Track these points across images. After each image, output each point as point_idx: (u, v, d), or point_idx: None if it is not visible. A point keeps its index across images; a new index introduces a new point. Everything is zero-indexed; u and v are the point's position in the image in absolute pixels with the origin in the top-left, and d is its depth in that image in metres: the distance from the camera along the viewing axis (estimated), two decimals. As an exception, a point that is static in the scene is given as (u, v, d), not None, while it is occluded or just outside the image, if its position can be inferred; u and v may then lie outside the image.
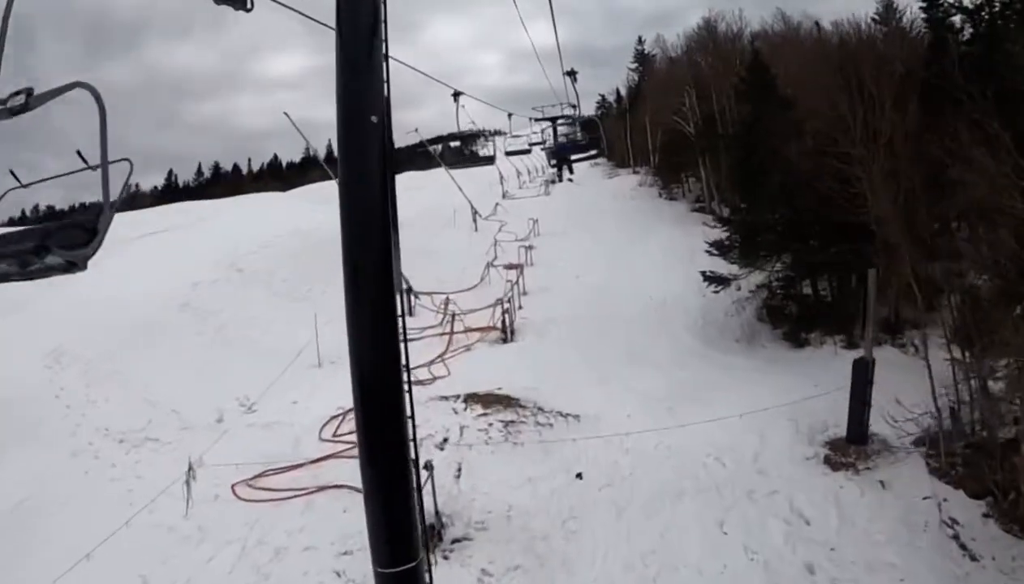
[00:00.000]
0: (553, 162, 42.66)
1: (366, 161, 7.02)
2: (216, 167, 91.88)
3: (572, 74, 38.51)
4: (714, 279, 23.10)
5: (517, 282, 28.02)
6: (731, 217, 24.15)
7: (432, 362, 21.92)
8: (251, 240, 31.08)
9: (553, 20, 21.70)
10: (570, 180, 43.10)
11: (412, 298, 27.21)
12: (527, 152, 38.81)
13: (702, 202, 42.03)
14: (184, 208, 46.46)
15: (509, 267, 32.03)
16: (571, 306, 26.24)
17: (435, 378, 20.63)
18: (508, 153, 38.92)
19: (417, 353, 24.07)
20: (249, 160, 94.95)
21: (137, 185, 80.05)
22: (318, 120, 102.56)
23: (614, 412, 17.25)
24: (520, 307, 26.59)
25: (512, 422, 17.12)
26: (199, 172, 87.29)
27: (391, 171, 7.26)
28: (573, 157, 37.93)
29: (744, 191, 23.04)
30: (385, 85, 7.23)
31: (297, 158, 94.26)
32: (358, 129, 7.13)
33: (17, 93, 5.13)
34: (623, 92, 70.05)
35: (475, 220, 39.50)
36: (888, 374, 16.78)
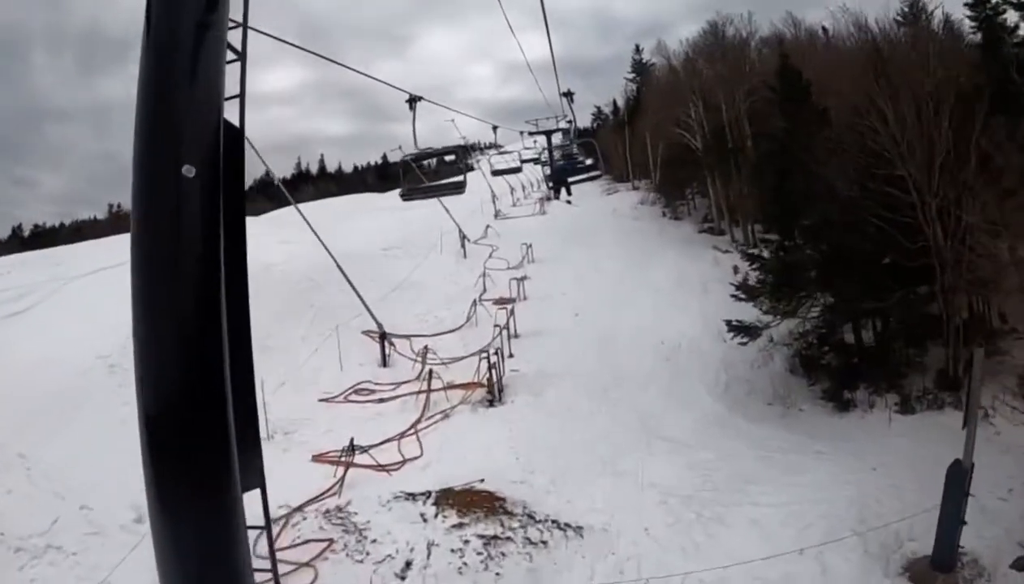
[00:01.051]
0: (551, 185, 38.92)
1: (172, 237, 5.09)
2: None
3: (569, 95, 35.48)
4: (741, 329, 18.96)
5: (507, 323, 23.87)
6: (761, 253, 19.90)
7: (403, 435, 17.74)
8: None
9: (549, 38, 18.15)
10: (568, 202, 39.16)
11: (386, 345, 23.07)
12: (516, 170, 34.66)
13: (710, 222, 37.90)
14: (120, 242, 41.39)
15: (499, 303, 27.87)
16: (569, 355, 22.07)
17: (404, 461, 16.43)
18: (495, 172, 34.97)
19: (388, 421, 20.12)
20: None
21: (119, 205, 75.96)
22: (312, 135, 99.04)
23: (627, 522, 12.99)
24: (510, 354, 22.41)
25: (495, 539, 12.86)
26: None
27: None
28: (572, 178, 34.18)
29: (780, 222, 18.86)
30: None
31: (288, 174, 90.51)
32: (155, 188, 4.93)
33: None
34: (620, 103, 65.95)
35: (464, 245, 35.34)
36: (950, 449, 12.38)
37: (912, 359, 18.71)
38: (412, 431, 17.90)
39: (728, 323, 19.31)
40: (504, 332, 22.99)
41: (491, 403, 19.18)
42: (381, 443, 17.38)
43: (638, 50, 61.61)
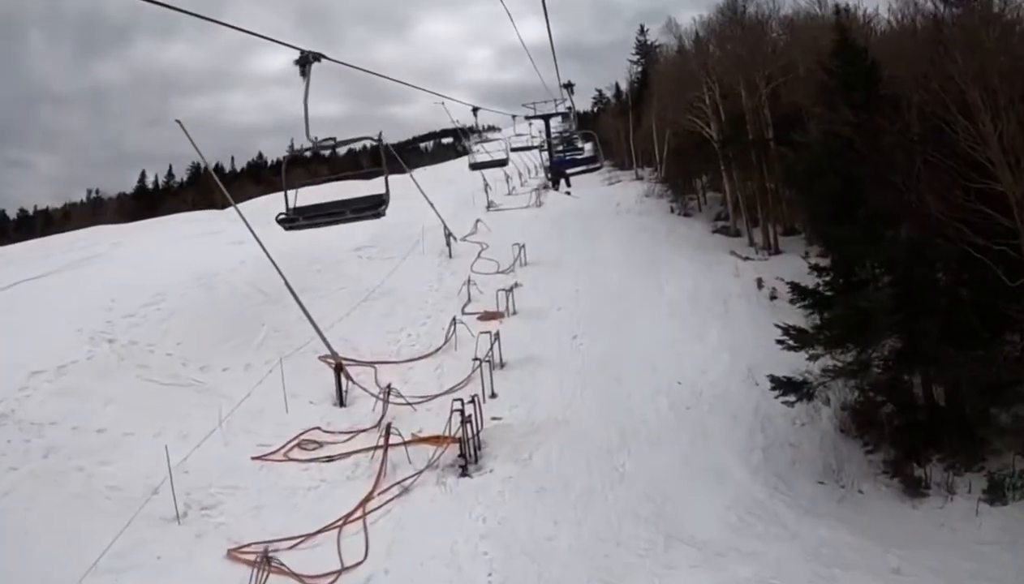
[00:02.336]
0: (549, 177, 34.75)
1: None
2: (196, 168, 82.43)
3: (569, 86, 31.40)
4: (789, 387, 14.27)
5: (491, 350, 19.25)
6: (818, 288, 14.97)
7: (347, 521, 13.20)
8: (139, 292, 22.06)
9: (548, 27, 14.35)
10: (567, 193, 34.70)
11: (343, 380, 18.44)
12: (502, 164, 29.63)
13: (725, 221, 33.09)
14: (78, 239, 36.24)
15: (485, 317, 23.26)
16: (565, 396, 17.46)
17: (340, 572, 11.84)
18: (474, 166, 30.09)
19: (335, 491, 15.48)
20: (232, 158, 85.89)
21: (97, 191, 71.00)
22: (311, 117, 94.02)
23: None
24: (492, 393, 17.82)
25: None
26: (169, 174, 77.86)
27: None
28: (571, 171, 29.96)
29: (845, 247, 13.90)
30: None
31: (280, 156, 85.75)
32: None
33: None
34: (623, 87, 60.81)
35: (449, 244, 30.56)
36: None
37: (999, 424, 14.12)
38: (358, 515, 13.35)
39: (772, 380, 14.60)
40: (490, 356, 18.41)
41: (464, 470, 14.56)
42: (316, 533, 12.88)
43: (643, 31, 56.54)
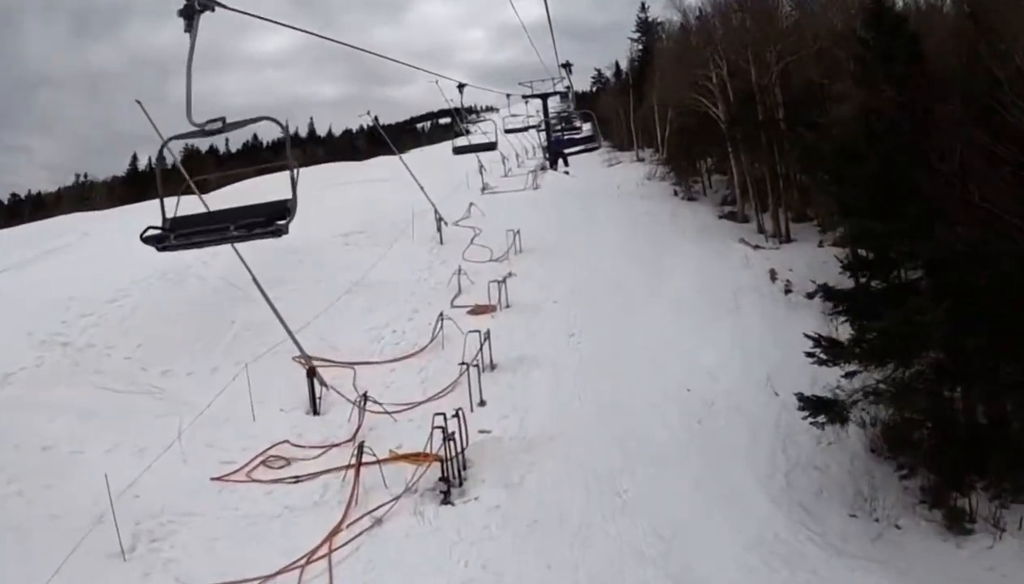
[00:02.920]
0: (547, 157, 32.69)
1: None
2: (189, 150, 79.78)
3: (568, 66, 29.46)
4: (818, 407, 12.29)
5: (480, 350, 17.31)
6: (859, 290, 12.86)
7: (310, 559, 11.32)
8: (101, 287, 20.08)
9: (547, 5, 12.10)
10: (566, 173, 32.64)
11: (317, 386, 16.50)
12: (490, 147, 27.21)
13: (731, 205, 31.04)
14: (49, 227, 33.94)
15: (476, 312, 21.32)
16: (561, 404, 15.54)
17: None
18: (457, 150, 27.74)
19: (299, 519, 13.31)
20: (227, 140, 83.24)
21: (86, 175, 68.45)
22: (306, 98, 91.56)
23: None
24: (481, 401, 15.89)
25: None
26: (160, 156, 75.02)
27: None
28: (568, 150, 28.00)
29: (886, 243, 11.77)
30: None
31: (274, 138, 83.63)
32: None
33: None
34: (623, 66, 58.34)
35: (440, 230, 28.50)
36: None
37: None
38: (323, 552, 11.47)
39: (800, 399, 12.61)
40: (476, 362, 16.45)
41: (446, 497, 12.67)
42: (275, 575, 11.01)
43: (644, 8, 53.97)
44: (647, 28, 52.75)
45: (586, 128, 41.99)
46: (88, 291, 20.01)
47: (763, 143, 27.07)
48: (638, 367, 16.94)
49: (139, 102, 18.38)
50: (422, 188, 28.94)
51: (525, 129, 32.52)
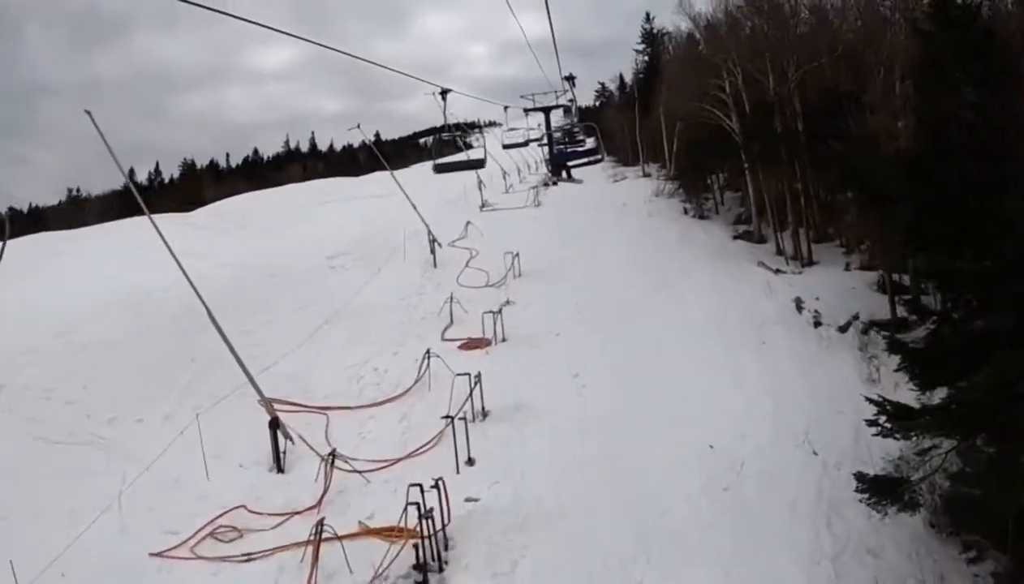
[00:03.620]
0: (550, 170, 30.77)
1: None
2: (186, 164, 77.78)
3: (571, 78, 27.59)
4: (881, 489, 9.82)
5: (471, 394, 14.88)
6: (940, 346, 10.31)
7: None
8: (49, 319, 17.78)
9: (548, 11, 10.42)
10: (569, 178, 30.46)
11: (281, 439, 14.07)
12: (476, 166, 24.47)
13: (745, 224, 28.63)
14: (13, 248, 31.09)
15: (469, 346, 18.91)
16: (562, 466, 12.98)
17: None
18: (438, 168, 24.94)
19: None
20: (227, 155, 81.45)
21: (78, 189, 66.34)
22: (308, 112, 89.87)
23: None
24: (469, 460, 13.45)
25: None
26: (156, 171, 73.31)
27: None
28: (572, 163, 25.94)
29: (976, 282, 9.18)
30: None
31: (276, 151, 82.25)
32: None
33: None
34: (627, 78, 56.12)
35: (434, 251, 26.17)
36: None
37: None
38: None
39: (860, 479, 10.09)
40: (463, 414, 14.00)
41: (421, 590, 10.25)
42: None
43: (649, 19, 51.82)
44: (652, 39, 50.66)
45: (589, 142, 39.78)
46: (35, 323, 17.71)
47: (782, 157, 24.66)
48: (651, 417, 14.46)
49: (88, 112, 16.08)
50: (414, 207, 26.66)
51: (524, 144, 30.31)
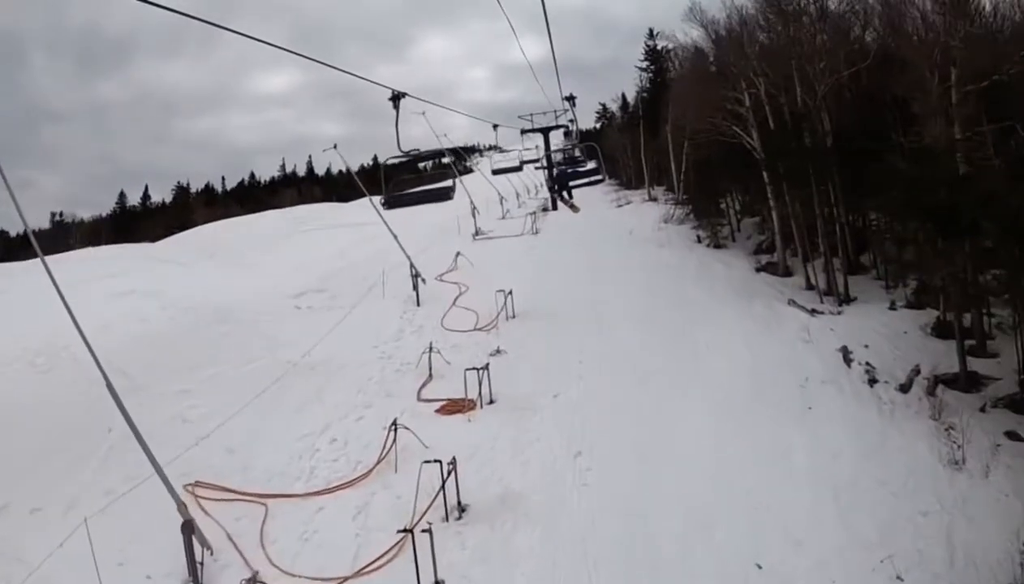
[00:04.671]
0: (552, 193, 27.89)
1: None
2: (179, 188, 74.89)
3: (571, 98, 25.09)
4: None
5: (447, 480, 11.44)
6: None
7: None
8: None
9: (551, 41, 8.08)
10: (568, 199, 27.58)
11: (199, 546, 10.62)
12: (441, 197, 21.13)
13: (767, 254, 25.26)
14: None
15: (449, 409, 15.49)
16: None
17: None
18: (388, 203, 21.57)
19: None
20: (223, 179, 79.09)
21: (61, 213, 63.52)
22: (308, 136, 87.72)
23: None
24: (437, 582, 10.01)
25: None
26: (145, 194, 70.53)
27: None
28: (573, 183, 23.16)
29: None
30: None
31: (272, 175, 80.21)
32: None
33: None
34: (630, 98, 53.12)
35: (417, 287, 22.82)
36: None
37: None
38: None
39: None
40: (428, 524, 10.57)
41: None
42: None
43: (652, 35, 48.88)
44: (656, 56, 47.72)
45: (590, 163, 36.64)
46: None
47: (811, 178, 21.30)
48: (678, 519, 10.99)
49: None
50: (395, 236, 23.31)
51: (519, 167, 27.15)
